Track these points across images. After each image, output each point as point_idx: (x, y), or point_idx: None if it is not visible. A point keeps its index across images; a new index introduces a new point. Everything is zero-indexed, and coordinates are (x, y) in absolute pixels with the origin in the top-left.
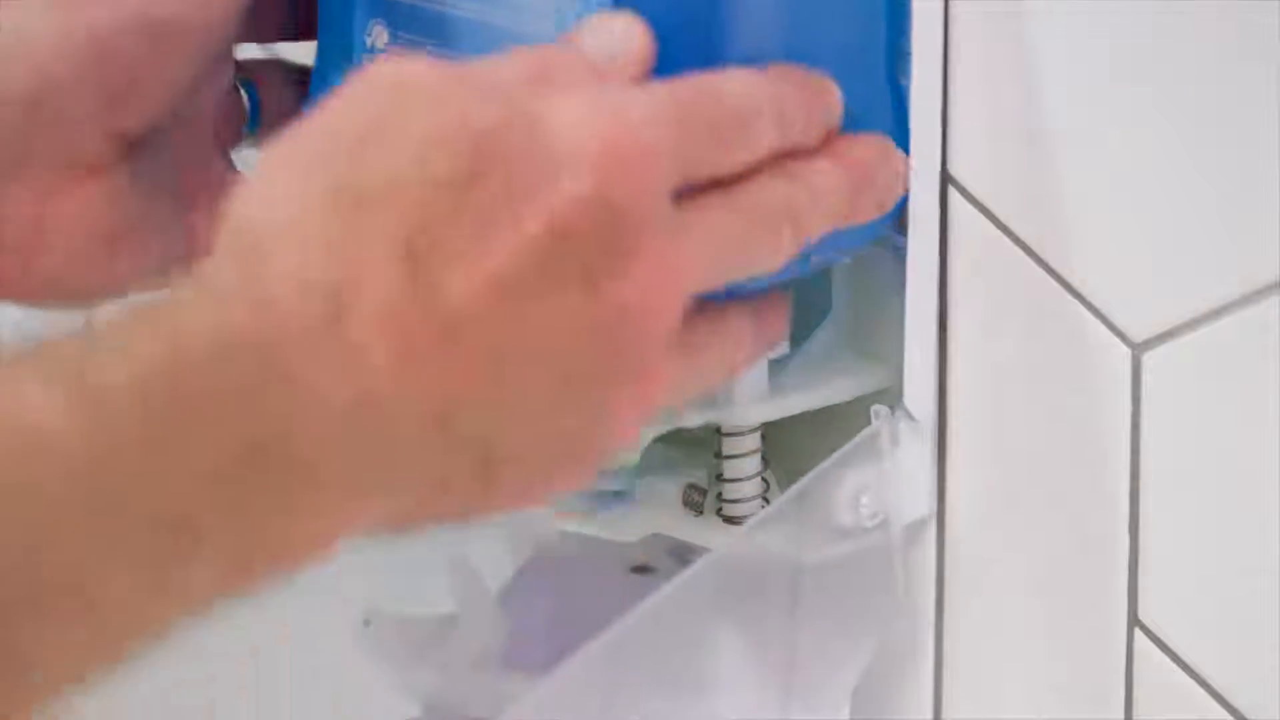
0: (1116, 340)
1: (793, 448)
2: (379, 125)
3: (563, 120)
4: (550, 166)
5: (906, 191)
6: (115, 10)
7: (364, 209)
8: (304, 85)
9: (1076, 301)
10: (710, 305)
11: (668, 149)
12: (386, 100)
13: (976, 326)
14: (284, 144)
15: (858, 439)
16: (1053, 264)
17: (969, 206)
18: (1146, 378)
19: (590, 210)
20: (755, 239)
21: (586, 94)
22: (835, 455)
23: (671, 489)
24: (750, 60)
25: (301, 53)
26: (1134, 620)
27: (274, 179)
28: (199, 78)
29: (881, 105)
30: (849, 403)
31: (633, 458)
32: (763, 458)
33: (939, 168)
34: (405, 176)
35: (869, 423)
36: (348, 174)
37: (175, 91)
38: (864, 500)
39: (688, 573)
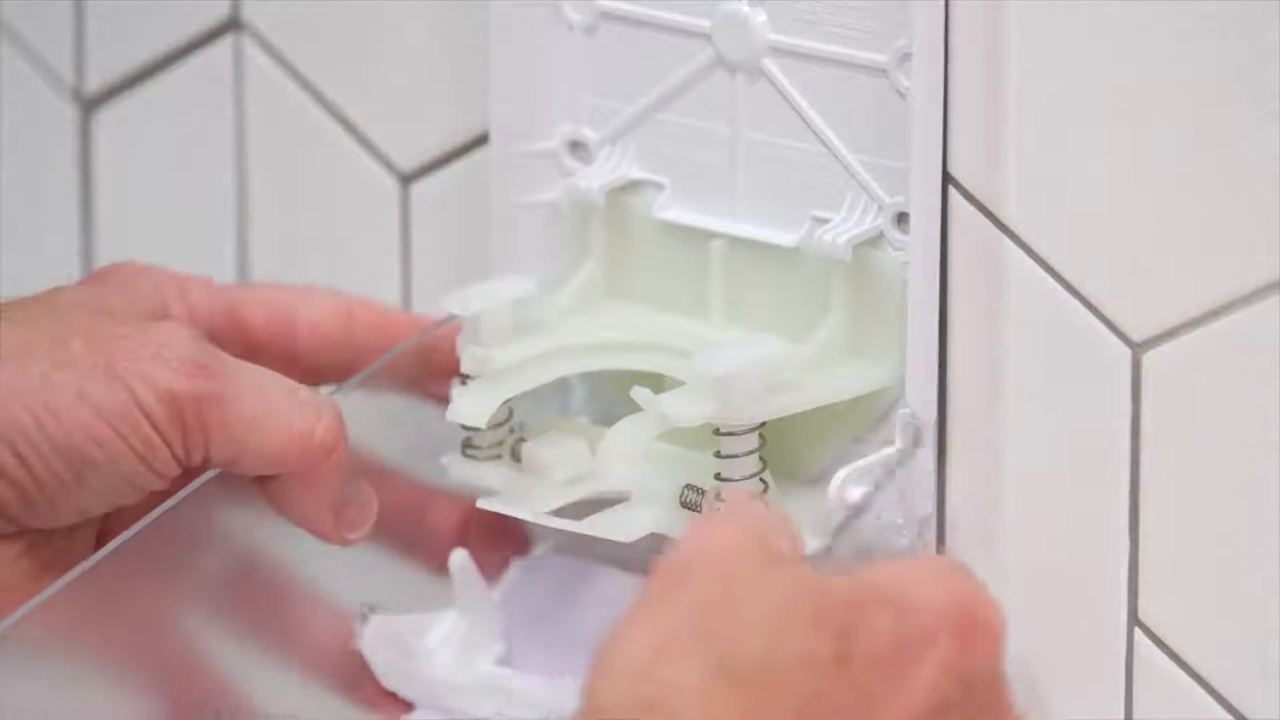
0: (1116, 340)
1: (792, 448)
2: (741, 602)
3: (916, 592)
4: (916, 637)
5: None
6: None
7: (758, 688)
8: None
9: (1076, 301)
10: None
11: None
12: (737, 576)
13: (976, 326)
14: (642, 619)
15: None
16: (1053, 264)
17: (969, 206)
18: (1146, 378)
19: (960, 679)
20: None
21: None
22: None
23: (669, 489)
24: None
25: None
26: (1134, 620)
27: (649, 652)
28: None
29: None
30: (849, 403)
31: (632, 458)
32: (760, 458)
33: (939, 168)
34: (786, 658)
35: (868, 422)
36: (732, 654)
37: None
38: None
39: None
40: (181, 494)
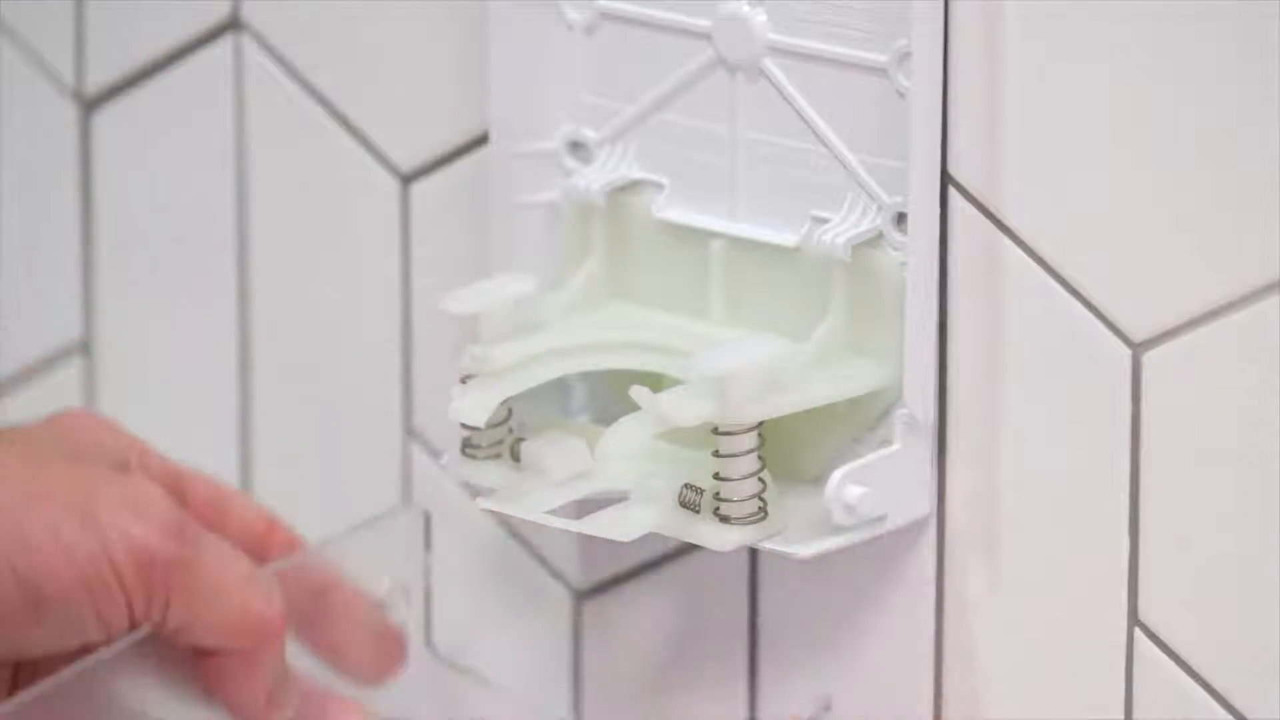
0: (1116, 340)
1: (791, 448)
2: None
3: None
4: None
5: None
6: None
7: None
8: None
9: (1076, 301)
10: None
11: None
12: None
13: (976, 326)
14: None
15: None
16: (1053, 264)
17: (969, 206)
18: (1146, 378)
19: None
20: None
21: None
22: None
23: (669, 489)
24: None
25: None
26: (1134, 620)
27: None
28: None
29: None
30: (848, 403)
31: (631, 458)
32: (759, 458)
33: (939, 168)
34: None
35: (868, 422)
36: None
37: None
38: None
39: None
40: (109, 651)
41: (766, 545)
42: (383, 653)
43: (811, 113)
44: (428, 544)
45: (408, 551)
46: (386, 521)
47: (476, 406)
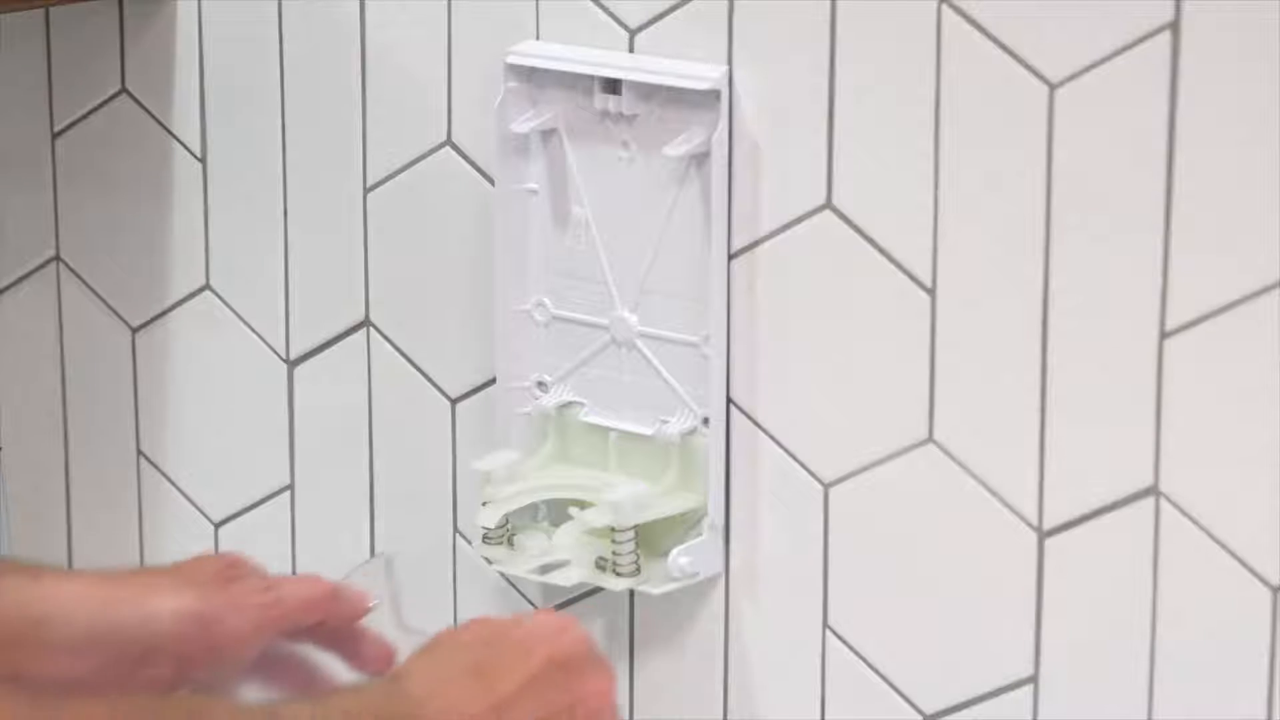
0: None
1: (652, 538)
2: (489, 641)
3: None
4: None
5: None
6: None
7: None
8: None
9: (776, 446)
10: None
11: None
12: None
13: (744, 480)
14: (427, 649)
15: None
16: (780, 441)
17: (741, 417)
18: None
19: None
20: None
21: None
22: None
23: (590, 559)
24: None
25: None
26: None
27: (423, 659)
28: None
29: None
30: (680, 514)
31: (570, 544)
32: (636, 544)
33: (724, 394)
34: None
35: (692, 524)
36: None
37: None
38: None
39: None
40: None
41: (639, 588)
42: (375, 641)
43: (660, 366)
44: (389, 576)
45: (385, 580)
46: (374, 563)
47: (490, 517)
